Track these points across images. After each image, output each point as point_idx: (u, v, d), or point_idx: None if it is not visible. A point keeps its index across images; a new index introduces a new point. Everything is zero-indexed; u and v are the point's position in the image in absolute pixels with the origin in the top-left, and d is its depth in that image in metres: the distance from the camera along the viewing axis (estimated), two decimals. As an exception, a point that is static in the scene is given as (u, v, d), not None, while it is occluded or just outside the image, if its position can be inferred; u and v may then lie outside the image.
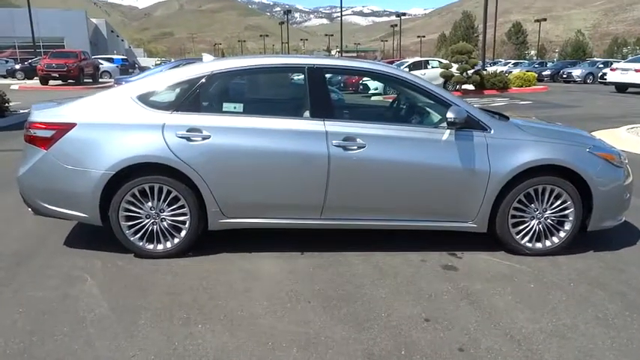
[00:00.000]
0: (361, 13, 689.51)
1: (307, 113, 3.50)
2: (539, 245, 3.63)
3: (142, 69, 47.31)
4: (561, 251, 3.65)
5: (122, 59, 39.46)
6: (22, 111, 12.48)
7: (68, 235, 4.02)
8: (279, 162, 3.41)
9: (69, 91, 20.27)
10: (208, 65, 3.64)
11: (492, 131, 3.52)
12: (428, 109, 3.87)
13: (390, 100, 4.53)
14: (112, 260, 3.52)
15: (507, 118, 3.89)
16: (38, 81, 25.08)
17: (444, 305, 2.92)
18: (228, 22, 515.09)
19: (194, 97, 3.50)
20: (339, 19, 46.83)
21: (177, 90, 3.56)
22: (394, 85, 4.05)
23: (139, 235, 3.52)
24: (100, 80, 28.89)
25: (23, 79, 28.88)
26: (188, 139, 3.37)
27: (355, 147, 3.41)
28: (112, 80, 28.88)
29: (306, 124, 3.45)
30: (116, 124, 3.42)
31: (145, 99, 3.50)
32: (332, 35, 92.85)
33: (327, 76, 3.65)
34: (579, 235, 3.68)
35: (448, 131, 3.48)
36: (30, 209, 3.65)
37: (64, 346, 2.49)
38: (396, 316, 2.79)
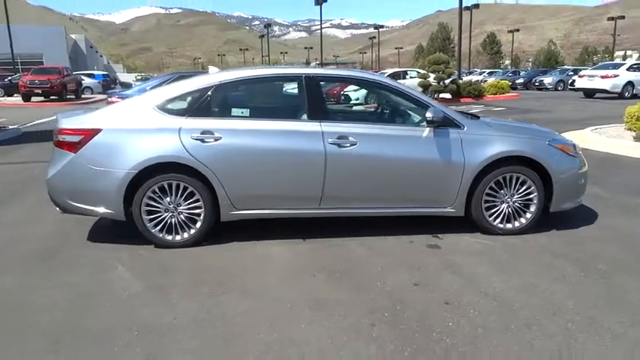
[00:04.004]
0: (340, 26, 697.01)
1: (305, 116, 4.01)
2: (509, 225, 4.18)
3: (123, 84, 47.23)
4: (528, 230, 4.20)
5: (103, 75, 39.53)
6: (11, 127, 12.69)
7: (89, 232, 4.42)
8: (282, 159, 3.90)
9: (53, 108, 20.45)
10: (217, 76, 4.13)
11: (465, 128, 4.08)
12: (410, 110, 4.42)
13: (375, 106, 5.07)
14: (135, 251, 3.94)
15: (478, 117, 4.46)
16: (19, 98, 24.99)
17: (430, 274, 3.44)
18: (207, 36, 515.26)
19: (206, 104, 3.99)
20: (318, 32, 47.66)
21: (191, 98, 4.03)
22: (380, 91, 4.59)
23: (159, 228, 3.95)
24: (83, 96, 28.93)
25: (3, 96, 28.75)
26: (202, 140, 3.84)
27: (348, 144, 3.93)
28: (95, 97, 29.15)
29: (304, 125, 3.96)
30: (137, 128, 3.88)
31: (162, 106, 3.96)
32: (311, 48, 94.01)
33: (321, 83, 4.17)
34: (543, 216, 4.24)
35: (427, 129, 4.03)
36: (58, 208, 4.05)
37: (111, 315, 2.91)
38: (389, 283, 3.29)
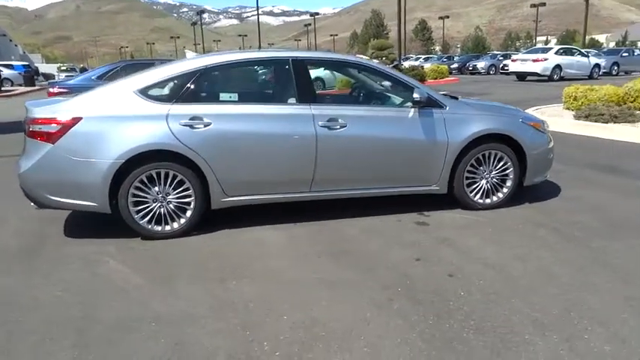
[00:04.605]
0: (272, 13, 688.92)
1: (294, 99, 4.01)
2: (488, 200, 4.43)
3: (45, 76, 43.88)
4: (504, 204, 4.47)
5: (24, 65, 36.78)
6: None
7: (65, 229, 4.18)
8: (274, 143, 3.88)
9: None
10: (202, 60, 4.01)
11: (447, 108, 4.25)
12: (395, 92, 4.53)
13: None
14: (123, 244, 3.78)
15: (457, 98, 4.65)
16: None
17: (427, 249, 3.58)
18: (132, 24, 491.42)
19: (193, 89, 3.87)
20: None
21: (176, 83, 3.90)
22: (365, 73, 4.67)
23: (147, 219, 3.82)
24: (3, 89, 26.74)
25: None
26: (191, 126, 3.74)
27: (338, 127, 3.97)
28: (17, 89, 27.11)
29: (294, 108, 3.96)
30: (121, 115, 3.70)
31: (145, 92, 3.80)
32: (246, 36, 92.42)
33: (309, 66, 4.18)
34: (517, 190, 4.52)
35: (413, 110, 4.16)
36: (33, 203, 3.80)
37: (120, 308, 2.81)
38: (392, 260, 3.40)
